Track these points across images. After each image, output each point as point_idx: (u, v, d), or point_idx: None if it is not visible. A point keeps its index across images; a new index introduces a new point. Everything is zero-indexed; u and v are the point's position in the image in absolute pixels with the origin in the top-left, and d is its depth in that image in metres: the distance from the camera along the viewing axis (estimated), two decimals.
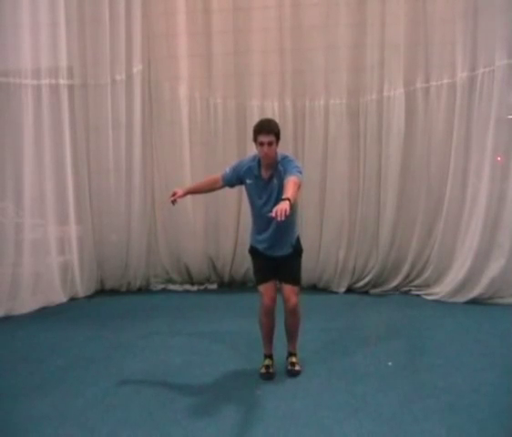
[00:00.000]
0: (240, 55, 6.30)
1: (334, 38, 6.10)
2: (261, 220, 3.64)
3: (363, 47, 6.07)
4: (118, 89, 6.26)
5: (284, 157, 3.60)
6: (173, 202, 3.80)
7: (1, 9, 5.68)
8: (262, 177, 3.61)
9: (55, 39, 5.98)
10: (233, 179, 3.77)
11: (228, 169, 3.79)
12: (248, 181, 3.67)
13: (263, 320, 3.79)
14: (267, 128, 3.53)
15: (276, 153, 3.57)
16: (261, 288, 3.74)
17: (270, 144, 3.50)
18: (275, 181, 3.55)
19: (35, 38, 5.82)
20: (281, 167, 3.54)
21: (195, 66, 6.41)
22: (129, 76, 6.29)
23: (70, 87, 6.16)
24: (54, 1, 5.94)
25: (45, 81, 5.93)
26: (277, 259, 3.70)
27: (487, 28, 5.56)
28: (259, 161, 3.62)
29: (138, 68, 6.31)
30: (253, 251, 3.82)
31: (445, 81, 5.92)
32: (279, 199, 3.39)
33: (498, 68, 5.49)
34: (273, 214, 3.03)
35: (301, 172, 3.49)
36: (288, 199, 3.13)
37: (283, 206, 3.05)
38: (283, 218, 3.01)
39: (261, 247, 3.73)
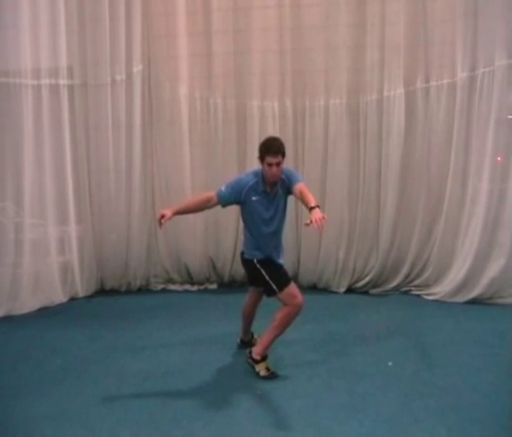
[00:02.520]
0: (240, 55, 6.31)
1: (334, 38, 6.10)
2: (263, 235, 3.74)
3: (363, 47, 6.07)
4: (118, 89, 6.26)
5: (282, 168, 3.69)
6: (160, 225, 3.62)
7: (1, 9, 5.68)
8: (268, 193, 3.69)
9: (55, 39, 5.98)
10: (231, 199, 3.70)
11: (224, 188, 3.67)
12: (253, 198, 3.67)
13: (290, 322, 3.69)
14: (275, 149, 3.59)
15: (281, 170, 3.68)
16: (292, 289, 3.68)
17: (278, 164, 3.58)
18: (280, 192, 3.71)
19: (35, 38, 5.82)
20: (283, 177, 3.67)
21: (195, 66, 6.42)
22: (129, 76, 6.29)
23: (70, 87, 6.17)
24: (54, 1, 5.94)
25: (45, 81, 5.93)
26: None
27: (487, 28, 5.56)
28: (262, 177, 3.66)
29: (138, 68, 6.31)
30: (262, 261, 3.76)
31: (445, 81, 5.92)
32: (284, 208, 3.80)
33: (498, 68, 5.49)
34: (314, 223, 3.09)
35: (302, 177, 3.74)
36: (317, 206, 3.23)
37: (319, 214, 3.13)
38: (323, 225, 3.09)
39: (270, 256, 3.78)
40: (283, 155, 3.63)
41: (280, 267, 3.83)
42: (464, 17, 5.71)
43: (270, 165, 3.57)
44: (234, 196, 3.67)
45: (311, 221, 3.11)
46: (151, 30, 6.41)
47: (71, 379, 3.87)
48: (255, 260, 3.79)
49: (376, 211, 6.21)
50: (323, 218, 3.09)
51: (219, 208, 6.27)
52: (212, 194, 3.71)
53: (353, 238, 6.27)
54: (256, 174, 3.69)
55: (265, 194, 3.68)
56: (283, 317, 3.67)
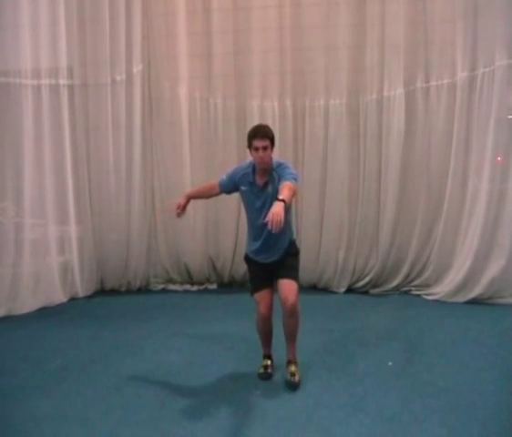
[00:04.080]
0: (240, 55, 6.31)
1: (334, 38, 6.10)
2: (255, 227, 3.62)
3: (363, 47, 6.07)
4: (118, 89, 6.26)
5: (280, 164, 3.53)
6: (179, 215, 3.75)
7: (1, 9, 5.68)
8: (257, 184, 3.56)
9: (55, 39, 5.98)
10: (230, 186, 3.73)
11: (225, 176, 3.74)
12: (243, 188, 3.62)
13: (260, 327, 3.75)
14: (261, 133, 3.50)
15: (271, 159, 3.53)
16: (257, 296, 3.68)
17: (264, 148, 3.45)
18: (270, 189, 3.50)
19: (35, 38, 5.81)
20: (275, 175, 3.49)
21: (195, 66, 6.42)
22: (129, 76, 6.29)
23: (70, 87, 6.16)
24: (54, 1, 5.94)
25: (45, 81, 5.93)
26: (271, 265, 3.63)
27: (487, 28, 5.56)
28: (253, 168, 3.58)
29: (138, 68, 6.31)
30: (248, 259, 3.79)
31: (445, 81, 5.92)
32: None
33: (498, 68, 5.49)
34: (268, 221, 2.98)
35: (296, 179, 3.41)
36: (283, 200, 3.09)
37: (277, 209, 3.00)
38: (278, 226, 2.96)
39: (254, 254, 3.70)
40: (272, 141, 3.49)
41: (259, 268, 3.68)
42: (464, 17, 5.71)
43: (256, 149, 3.45)
44: (231, 183, 3.71)
45: (270, 220, 2.98)
46: (151, 30, 6.40)
47: (71, 379, 3.87)
48: (245, 254, 3.84)
49: (376, 211, 6.21)
50: (280, 214, 2.96)
51: (218, 207, 6.28)
52: (216, 182, 3.81)
53: (353, 238, 6.27)
54: (249, 164, 3.65)
55: (253, 185, 3.57)
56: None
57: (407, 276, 6.18)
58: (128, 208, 6.43)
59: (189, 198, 3.85)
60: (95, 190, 6.38)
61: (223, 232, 6.53)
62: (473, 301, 5.58)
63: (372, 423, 3.07)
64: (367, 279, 6.24)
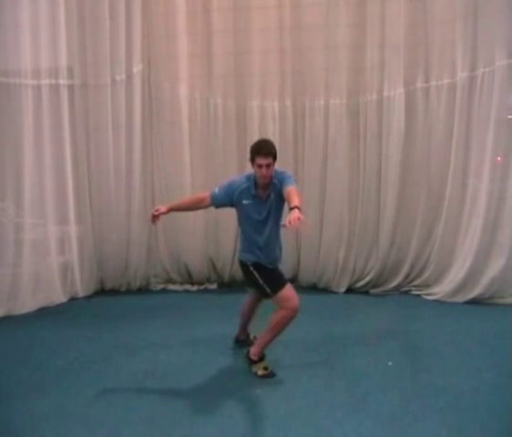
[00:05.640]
0: (240, 55, 6.30)
1: (334, 38, 6.10)
2: (259, 236, 3.67)
3: (363, 47, 6.07)
4: (118, 89, 6.26)
5: (277, 171, 3.66)
6: (154, 220, 3.73)
7: (1, 9, 5.68)
8: (260, 197, 3.66)
9: (55, 39, 5.97)
10: (225, 201, 3.73)
11: (217, 190, 3.71)
12: (245, 202, 3.65)
13: (286, 325, 3.65)
14: (265, 151, 3.55)
15: (272, 172, 3.62)
16: (287, 291, 3.62)
17: (268, 166, 3.53)
18: (272, 196, 3.64)
19: (35, 38, 5.81)
20: (275, 180, 3.62)
21: (195, 66, 6.41)
22: (129, 76, 6.28)
23: (70, 87, 6.16)
24: (54, 1, 5.94)
25: (45, 81, 5.92)
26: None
27: (487, 28, 5.56)
28: (254, 181, 3.63)
29: (138, 68, 6.31)
30: (257, 266, 3.75)
31: (445, 81, 5.92)
32: (278, 212, 3.69)
33: (498, 68, 5.49)
34: (287, 223, 3.03)
35: (295, 181, 3.57)
36: (297, 207, 3.15)
37: (296, 214, 3.06)
38: (299, 225, 3.03)
39: (262, 260, 3.74)
40: (274, 157, 3.58)
41: (273, 270, 3.78)
42: (464, 17, 5.71)
43: (260, 166, 3.53)
44: (227, 198, 3.70)
45: (288, 222, 3.05)
46: (151, 30, 6.40)
47: (71, 379, 3.87)
48: (249, 263, 3.80)
49: (376, 211, 6.21)
50: (299, 218, 3.02)
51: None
52: (207, 194, 3.77)
53: (353, 238, 6.27)
54: (248, 178, 3.67)
55: (257, 198, 3.64)
56: (279, 320, 3.64)
57: (407, 276, 6.18)
58: (128, 208, 6.43)
59: (171, 209, 3.81)
60: (95, 190, 6.37)
61: (223, 232, 6.53)
62: (473, 301, 5.58)
63: (372, 423, 3.07)
64: (367, 279, 6.24)
